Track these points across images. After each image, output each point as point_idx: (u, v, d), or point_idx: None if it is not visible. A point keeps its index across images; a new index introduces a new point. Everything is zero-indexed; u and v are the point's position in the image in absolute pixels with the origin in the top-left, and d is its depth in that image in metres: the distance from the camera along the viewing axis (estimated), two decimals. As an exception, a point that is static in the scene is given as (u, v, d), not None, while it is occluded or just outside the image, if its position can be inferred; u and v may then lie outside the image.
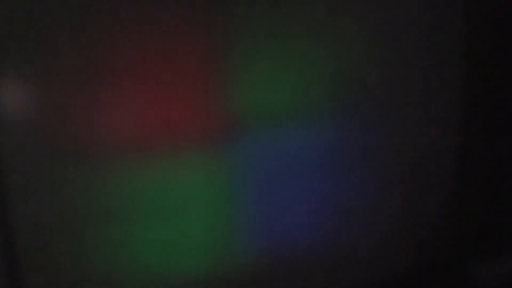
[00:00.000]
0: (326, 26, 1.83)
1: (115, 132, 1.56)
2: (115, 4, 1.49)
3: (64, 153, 1.50)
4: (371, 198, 2.04)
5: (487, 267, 2.00)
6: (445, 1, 2.03)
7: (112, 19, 1.50)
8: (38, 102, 1.46)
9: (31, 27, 1.41)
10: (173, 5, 1.57)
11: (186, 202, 1.70)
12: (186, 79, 1.64)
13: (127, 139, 1.58)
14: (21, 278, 1.51)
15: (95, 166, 1.55)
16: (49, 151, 1.48)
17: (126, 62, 1.54)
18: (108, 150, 1.56)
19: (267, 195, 1.83)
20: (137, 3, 1.52)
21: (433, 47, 2.03)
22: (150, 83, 1.58)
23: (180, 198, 1.69)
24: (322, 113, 1.89)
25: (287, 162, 1.84)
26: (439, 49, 2.05)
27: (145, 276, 1.68)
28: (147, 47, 1.55)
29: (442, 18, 2.03)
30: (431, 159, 2.13)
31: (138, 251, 1.66)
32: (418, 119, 2.07)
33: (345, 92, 1.91)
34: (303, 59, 1.82)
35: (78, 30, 1.46)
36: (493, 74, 2.08)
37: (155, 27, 1.56)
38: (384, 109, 1.99)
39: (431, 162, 2.14)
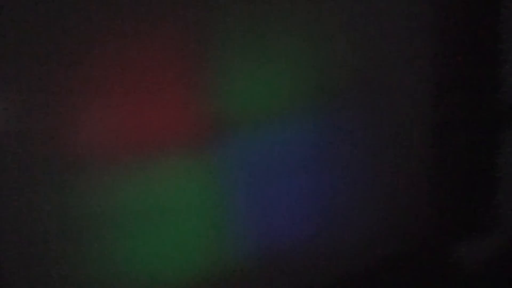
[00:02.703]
0: (306, 26, 1.85)
1: (99, 135, 1.54)
2: (97, 6, 1.49)
3: (46, 158, 1.49)
4: (353, 190, 2.07)
5: (469, 246, 2.08)
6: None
7: (95, 21, 1.49)
8: (17, 105, 1.44)
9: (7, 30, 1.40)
10: (156, 6, 1.57)
11: (174, 205, 1.69)
12: (170, 82, 1.63)
13: (113, 143, 1.57)
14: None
15: (79, 170, 1.53)
16: (30, 155, 1.47)
17: (109, 64, 1.52)
18: (93, 154, 1.54)
19: (255, 194, 1.83)
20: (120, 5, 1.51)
21: (406, 47, 2.09)
22: (134, 86, 1.57)
23: (168, 201, 1.68)
24: (305, 111, 1.90)
25: (273, 161, 1.85)
26: (413, 48, 2.10)
27: (135, 280, 1.68)
28: (130, 49, 1.54)
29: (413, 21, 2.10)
30: (408, 146, 2.17)
31: (127, 256, 1.65)
32: (395, 110, 2.10)
33: (326, 91, 1.93)
34: (285, 59, 1.82)
35: (56, 32, 1.45)
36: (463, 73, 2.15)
37: (138, 28, 1.55)
38: (362, 105, 2.03)
39: (409, 149, 2.18)
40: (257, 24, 1.77)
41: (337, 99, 2.01)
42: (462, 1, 2.15)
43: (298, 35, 1.87)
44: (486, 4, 2.14)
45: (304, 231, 2.00)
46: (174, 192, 1.69)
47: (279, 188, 1.90)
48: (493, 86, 2.16)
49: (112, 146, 1.56)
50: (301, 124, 1.91)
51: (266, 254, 1.90)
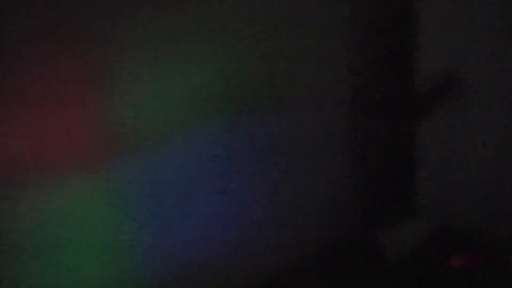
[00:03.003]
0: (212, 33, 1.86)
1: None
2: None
3: None
4: (273, 187, 2.11)
5: (392, 234, 2.15)
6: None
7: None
8: None
9: None
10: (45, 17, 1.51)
11: (78, 218, 1.65)
12: (64, 97, 1.57)
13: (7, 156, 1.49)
14: None
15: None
16: None
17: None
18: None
19: (161, 205, 1.82)
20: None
21: (318, 45, 2.14)
22: (29, 96, 1.50)
23: (70, 215, 1.63)
24: (216, 113, 1.91)
25: (177, 172, 1.84)
26: (326, 42, 2.17)
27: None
28: (25, 58, 1.48)
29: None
30: (326, 140, 2.24)
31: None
32: (312, 104, 2.16)
33: (238, 93, 1.96)
34: (185, 67, 1.82)
35: None
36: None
37: (33, 35, 1.49)
38: (279, 97, 2.08)
39: (326, 143, 2.24)
40: (163, 32, 1.75)
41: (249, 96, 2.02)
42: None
43: (204, 43, 1.86)
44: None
45: (222, 235, 2.02)
46: (76, 206, 1.64)
47: (190, 198, 1.90)
48: (407, 77, 2.24)
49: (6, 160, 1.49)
50: (214, 129, 1.92)
51: (183, 263, 1.90)
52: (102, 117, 1.65)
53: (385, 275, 2.06)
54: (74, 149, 1.61)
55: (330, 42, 2.21)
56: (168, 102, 1.80)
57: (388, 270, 2.08)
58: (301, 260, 2.20)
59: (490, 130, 2.11)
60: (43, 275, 1.59)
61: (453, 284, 1.94)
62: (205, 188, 1.94)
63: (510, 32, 1.98)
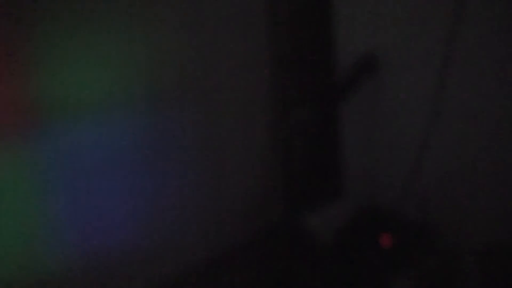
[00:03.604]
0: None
1: None
2: None
3: None
4: (201, 176, 2.12)
5: (320, 216, 2.19)
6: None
7: None
8: None
9: None
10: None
11: None
12: None
13: None
14: None
15: None
16: None
17: None
18: None
19: (74, 192, 1.78)
20: None
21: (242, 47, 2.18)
22: None
23: None
24: (125, 106, 1.89)
25: (91, 158, 1.81)
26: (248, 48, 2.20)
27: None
28: None
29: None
30: (251, 129, 2.29)
31: None
32: (231, 94, 2.19)
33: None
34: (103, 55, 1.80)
35: None
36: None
37: None
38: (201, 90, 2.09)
39: (252, 132, 2.29)
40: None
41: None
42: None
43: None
44: None
45: (145, 227, 1.99)
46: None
47: (103, 186, 1.85)
48: (328, 67, 2.28)
49: None
50: (123, 122, 1.89)
51: (95, 253, 1.85)
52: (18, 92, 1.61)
53: (315, 257, 2.09)
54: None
55: (251, 33, 2.23)
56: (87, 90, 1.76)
57: (318, 252, 2.11)
58: (231, 248, 2.21)
59: (411, 113, 2.17)
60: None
61: (382, 262, 1.99)
62: (131, 177, 1.92)
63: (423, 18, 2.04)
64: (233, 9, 2.13)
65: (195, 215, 2.13)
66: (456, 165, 2.09)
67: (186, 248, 2.10)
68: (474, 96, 1.98)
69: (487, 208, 2.03)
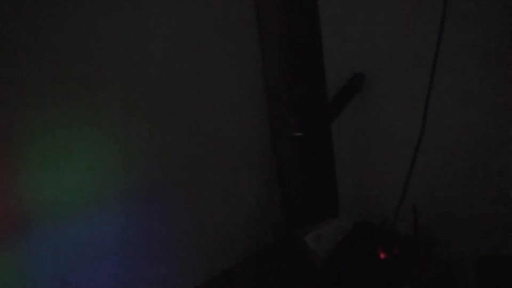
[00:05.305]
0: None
1: None
2: None
3: None
4: (199, 192, 2.15)
5: (317, 235, 2.20)
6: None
7: None
8: None
9: None
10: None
11: None
12: None
13: None
14: None
15: None
16: None
17: None
18: None
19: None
20: None
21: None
22: None
23: None
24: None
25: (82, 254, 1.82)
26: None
27: None
28: None
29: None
30: (248, 146, 2.33)
31: None
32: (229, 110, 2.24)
33: None
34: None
35: None
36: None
37: None
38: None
39: (248, 149, 2.33)
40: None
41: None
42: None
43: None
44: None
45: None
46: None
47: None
48: (318, 80, 2.32)
49: None
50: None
51: None
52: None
53: (312, 275, 2.10)
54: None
55: (246, 53, 2.29)
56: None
57: (315, 270, 2.11)
58: (229, 268, 2.22)
59: (400, 130, 2.21)
60: None
61: (379, 275, 1.99)
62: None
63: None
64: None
65: (191, 237, 2.15)
66: (448, 177, 2.12)
67: (185, 271, 2.11)
68: (462, 112, 2.02)
69: (480, 217, 2.06)
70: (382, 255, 2.03)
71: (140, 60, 1.92)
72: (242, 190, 2.32)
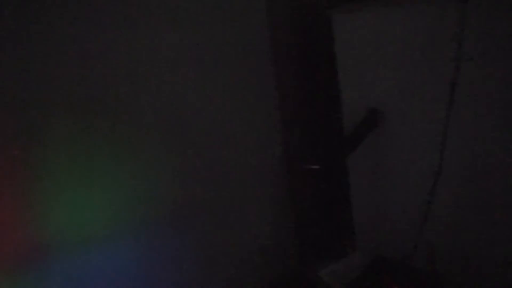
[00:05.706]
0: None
1: None
2: None
3: None
4: (215, 226, 2.16)
5: (333, 269, 2.20)
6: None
7: None
8: None
9: None
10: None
11: None
12: None
13: None
14: None
15: None
16: None
17: None
18: None
19: None
20: None
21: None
22: None
23: None
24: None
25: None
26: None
27: None
28: None
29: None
30: (264, 180, 2.33)
31: None
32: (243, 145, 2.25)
33: None
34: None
35: None
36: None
37: None
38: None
39: (264, 183, 2.34)
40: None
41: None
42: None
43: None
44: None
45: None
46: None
47: None
48: (335, 115, 2.33)
49: None
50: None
51: None
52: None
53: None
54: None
55: (262, 87, 2.31)
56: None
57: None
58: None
59: (416, 166, 2.20)
60: None
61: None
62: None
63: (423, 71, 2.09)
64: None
65: (204, 269, 2.15)
66: (466, 216, 2.10)
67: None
68: (476, 147, 2.01)
69: (498, 256, 2.03)
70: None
71: (161, 99, 1.97)
72: (256, 222, 2.32)
